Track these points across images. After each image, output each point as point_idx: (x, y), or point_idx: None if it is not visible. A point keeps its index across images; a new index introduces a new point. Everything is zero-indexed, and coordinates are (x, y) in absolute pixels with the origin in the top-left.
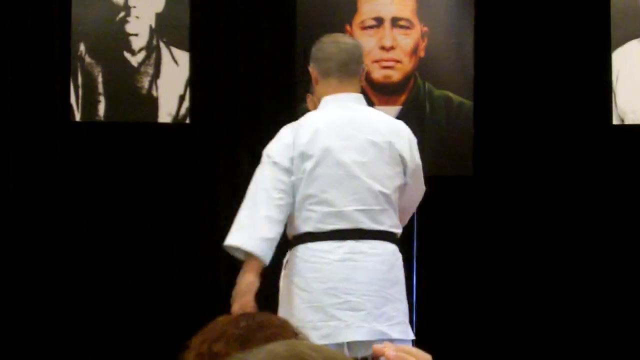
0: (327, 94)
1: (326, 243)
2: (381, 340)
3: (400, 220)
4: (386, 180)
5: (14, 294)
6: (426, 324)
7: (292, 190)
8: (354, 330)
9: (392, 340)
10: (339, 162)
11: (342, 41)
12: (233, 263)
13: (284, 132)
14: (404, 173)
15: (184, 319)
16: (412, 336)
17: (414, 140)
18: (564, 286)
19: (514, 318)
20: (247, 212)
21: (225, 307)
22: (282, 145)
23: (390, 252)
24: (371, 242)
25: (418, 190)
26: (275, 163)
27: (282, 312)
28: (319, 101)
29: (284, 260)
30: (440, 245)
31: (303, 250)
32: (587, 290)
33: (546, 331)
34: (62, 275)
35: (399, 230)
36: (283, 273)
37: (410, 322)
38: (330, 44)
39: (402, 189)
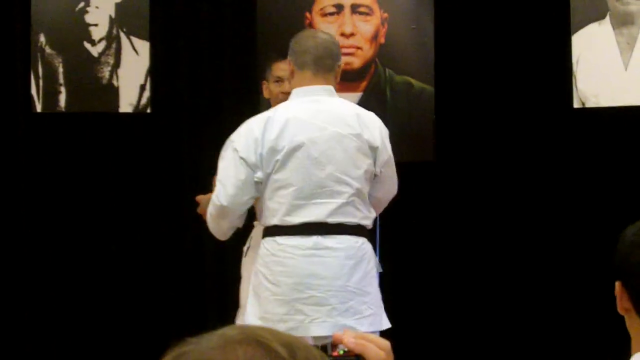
0: (301, 86)
1: (293, 238)
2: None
3: (375, 211)
4: (355, 173)
5: None
6: (386, 309)
7: (256, 185)
8: (318, 325)
9: None
10: (307, 156)
11: (319, 36)
12: (197, 251)
13: (253, 124)
14: (375, 164)
15: (146, 312)
16: (386, 326)
17: (385, 131)
18: (524, 270)
19: (477, 303)
20: (214, 211)
21: (192, 299)
22: (250, 140)
23: (357, 247)
24: (337, 237)
25: (392, 180)
26: (242, 158)
27: (250, 303)
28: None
29: (245, 248)
30: (402, 232)
31: (271, 244)
32: (547, 273)
33: (506, 312)
34: (21, 270)
35: (368, 222)
36: (244, 260)
37: None
38: (308, 38)
39: (373, 180)
